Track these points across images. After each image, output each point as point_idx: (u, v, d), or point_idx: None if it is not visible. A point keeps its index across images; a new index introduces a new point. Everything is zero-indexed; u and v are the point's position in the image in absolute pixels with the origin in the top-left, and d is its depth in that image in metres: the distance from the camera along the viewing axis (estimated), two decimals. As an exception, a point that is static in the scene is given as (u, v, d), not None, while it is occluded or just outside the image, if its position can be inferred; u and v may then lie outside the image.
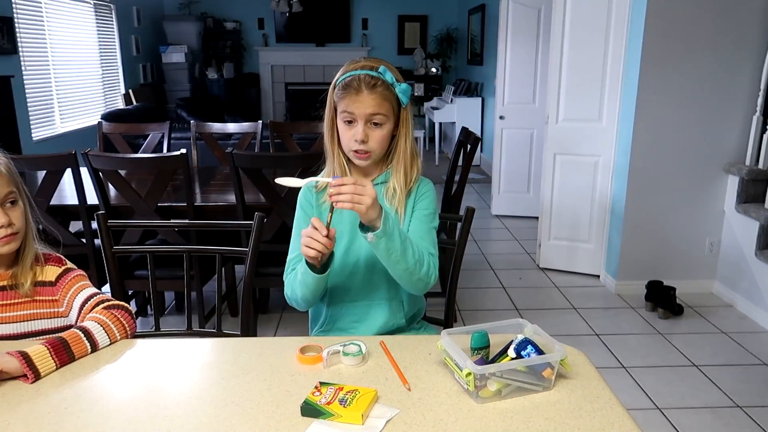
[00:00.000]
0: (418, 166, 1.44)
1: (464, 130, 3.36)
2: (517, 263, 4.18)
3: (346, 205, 1.17)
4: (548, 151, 3.88)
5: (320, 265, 1.29)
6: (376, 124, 1.36)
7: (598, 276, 3.86)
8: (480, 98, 7.02)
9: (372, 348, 1.18)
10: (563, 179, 3.86)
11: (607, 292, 3.68)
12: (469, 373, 0.96)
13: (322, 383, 1.02)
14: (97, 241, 2.90)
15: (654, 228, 3.56)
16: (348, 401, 0.96)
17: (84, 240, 2.76)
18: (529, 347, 1.01)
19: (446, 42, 8.57)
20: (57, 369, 1.14)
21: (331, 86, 1.40)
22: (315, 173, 2.60)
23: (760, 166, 3.31)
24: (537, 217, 5.00)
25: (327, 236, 1.21)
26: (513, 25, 4.83)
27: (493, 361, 1.05)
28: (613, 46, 3.50)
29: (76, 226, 3.13)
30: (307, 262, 1.29)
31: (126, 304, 1.31)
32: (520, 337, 1.05)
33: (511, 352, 1.03)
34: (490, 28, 6.81)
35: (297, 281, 1.37)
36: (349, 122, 1.36)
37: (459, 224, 1.66)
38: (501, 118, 5.03)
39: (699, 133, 3.41)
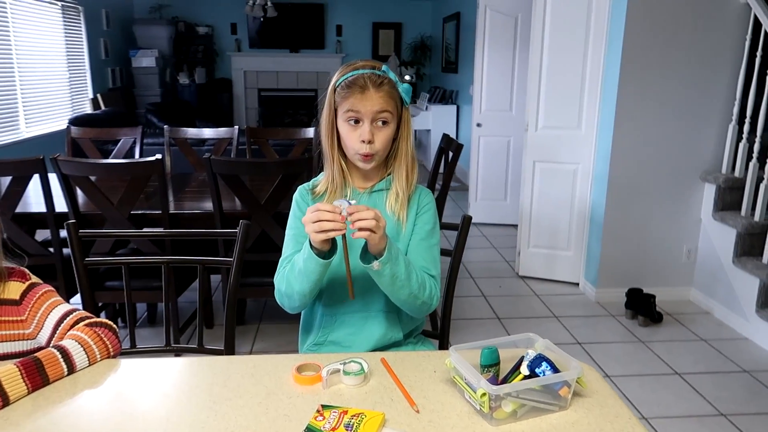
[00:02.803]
0: (417, 170, 1.39)
1: (445, 137, 3.32)
2: (497, 271, 4.16)
3: (363, 234, 1.16)
4: (528, 159, 3.87)
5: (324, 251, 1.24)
6: (382, 123, 1.31)
7: (577, 284, 3.86)
8: (455, 106, 7.03)
9: (372, 365, 1.11)
10: (542, 187, 3.85)
11: (587, 300, 3.68)
12: (484, 394, 0.90)
13: (324, 406, 0.94)
14: (66, 251, 2.79)
15: (633, 236, 3.57)
16: (354, 426, 0.88)
17: (52, 250, 2.62)
18: (544, 364, 0.95)
19: (420, 50, 8.57)
20: (29, 393, 1.04)
21: (330, 88, 1.34)
22: (297, 180, 2.55)
23: (736, 174, 3.35)
24: (514, 225, 5.00)
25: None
26: (490, 32, 4.83)
27: (506, 379, 0.99)
28: (592, 54, 3.52)
29: (42, 234, 2.98)
30: (311, 248, 1.22)
31: (110, 322, 1.21)
32: (531, 353, 1.00)
33: (524, 370, 0.97)
34: (465, 36, 6.83)
35: (294, 274, 1.30)
36: (354, 123, 1.31)
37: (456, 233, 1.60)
38: (478, 125, 5.02)
39: (676, 142, 3.44)
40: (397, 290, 1.27)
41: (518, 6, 4.72)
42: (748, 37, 3.25)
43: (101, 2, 6.97)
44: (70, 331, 1.18)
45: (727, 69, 3.34)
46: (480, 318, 3.38)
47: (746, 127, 3.28)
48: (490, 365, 1.01)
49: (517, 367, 1.00)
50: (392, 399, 1.00)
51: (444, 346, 1.64)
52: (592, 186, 3.65)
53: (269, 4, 6.29)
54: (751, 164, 3.22)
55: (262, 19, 7.45)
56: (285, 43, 8.62)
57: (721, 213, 3.38)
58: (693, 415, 2.48)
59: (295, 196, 1.43)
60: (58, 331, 1.20)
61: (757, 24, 3.20)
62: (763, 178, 3.16)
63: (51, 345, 1.16)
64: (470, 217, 1.56)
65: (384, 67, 1.33)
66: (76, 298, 3.27)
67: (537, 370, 0.96)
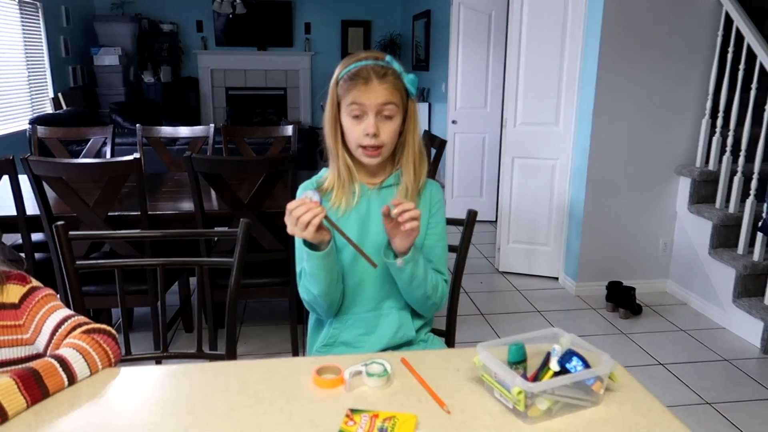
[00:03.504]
0: (426, 163, 1.36)
1: (427, 133, 3.30)
2: (477, 267, 4.16)
3: (413, 224, 1.17)
4: (506, 155, 3.88)
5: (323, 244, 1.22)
6: (387, 117, 1.27)
7: (557, 278, 3.89)
8: (427, 103, 7.02)
9: (392, 366, 1.07)
10: (521, 183, 3.87)
11: (567, 294, 3.71)
12: (521, 392, 0.87)
13: (353, 410, 0.90)
14: (39, 255, 2.67)
15: (610, 230, 3.61)
16: (388, 429, 0.85)
17: (23, 255, 2.50)
18: (575, 359, 0.93)
19: (390, 48, 8.54)
20: (28, 407, 0.96)
21: (333, 81, 1.30)
22: (279, 179, 2.49)
23: (710, 167, 3.42)
24: (491, 221, 5.03)
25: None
26: (464, 29, 4.83)
27: (537, 376, 0.97)
28: (569, 50, 3.54)
29: (9, 239, 2.85)
30: (310, 246, 1.19)
31: (109, 328, 1.14)
32: (557, 348, 0.98)
33: (554, 366, 0.95)
34: (436, 33, 6.83)
35: (308, 280, 1.28)
36: (358, 116, 1.27)
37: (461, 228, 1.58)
38: (453, 122, 5.02)
39: (652, 137, 3.50)
40: (413, 289, 1.27)
41: (492, 3, 4.74)
42: (720, 33, 3.32)
43: (61, -2, 6.73)
44: (67, 339, 1.11)
45: (699, 65, 3.41)
46: (464, 315, 3.37)
47: (719, 121, 3.36)
48: (518, 362, 0.99)
49: (545, 363, 0.98)
50: (419, 400, 0.96)
51: (451, 343, 1.61)
52: (570, 181, 3.69)
53: (238, 0, 6.16)
54: (724, 158, 3.29)
55: (230, 16, 7.30)
56: (252, 40, 8.48)
57: (696, 206, 3.45)
58: (679, 404, 2.52)
59: (299, 194, 1.37)
60: (55, 337, 1.13)
61: (729, 21, 3.27)
62: (736, 171, 3.23)
63: (48, 354, 1.09)
64: (476, 212, 1.53)
65: (388, 58, 1.29)
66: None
67: (568, 366, 0.94)
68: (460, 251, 1.56)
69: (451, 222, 1.54)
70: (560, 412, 0.92)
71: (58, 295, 2.52)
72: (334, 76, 1.30)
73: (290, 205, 1.15)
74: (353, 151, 1.32)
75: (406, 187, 1.33)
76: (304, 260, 1.25)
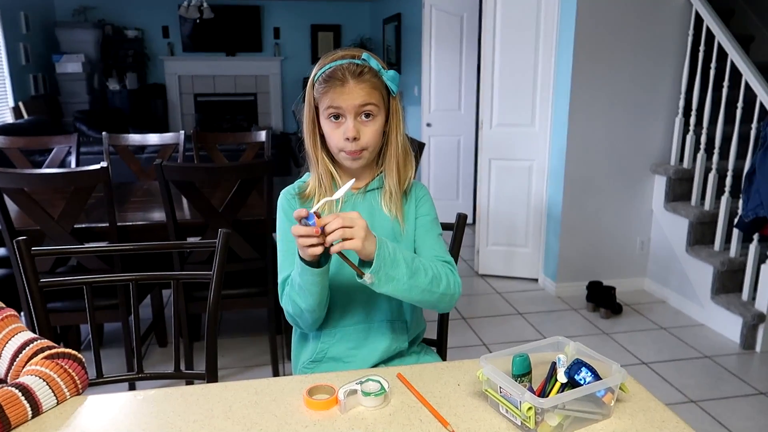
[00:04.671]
0: (411, 164, 1.29)
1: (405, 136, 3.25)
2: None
3: (338, 247, 1.04)
4: (483, 157, 3.85)
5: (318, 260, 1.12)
6: (367, 116, 1.20)
7: (536, 279, 3.88)
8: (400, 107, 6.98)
9: (389, 382, 1.00)
10: (499, 184, 3.85)
11: (547, 295, 3.69)
12: (530, 408, 0.81)
13: (350, 434, 0.83)
14: (1, 271, 2.53)
15: (588, 229, 3.61)
16: (391, 455, 0.78)
17: (-17, 272, 2.36)
18: (584, 370, 0.88)
19: (360, 51, 8.48)
20: (-12, 443, 0.88)
21: (309, 83, 1.23)
22: (254, 185, 2.41)
23: (685, 165, 3.45)
24: (469, 224, 5.00)
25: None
26: (436, 32, 4.81)
27: (545, 388, 0.91)
28: (543, 51, 3.54)
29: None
30: (304, 262, 1.11)
31: (74, 352, 1.04)
32: (562, 357, 0.92)
33: (562, 377, 0.89)
34: (406, 36, 6.80)
35: (296, 291, 1.18)
36: (336, 119, 1.19)
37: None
38: (428, 125, 4.98)
39: (626, 136, 3.51)
40: (405, 293, 1.15)
41: (463, 5, 4.72)
42: (691, 32, 3.35)
43: (19, 4, 6.50)
44: (28, 366, 1.01)
45: (672, 64, 3.44)
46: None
47: (692, 120, 3.39)
48: (523, 374, 0.93)
49: (551, 375, 0.93)
50: (421, 420, 0.90)
51: (443, 353, 1.55)
52: (547, 182, 3.67)
53: (205, 5, 6.04)
54: (698, 155, 3.32)
55: (197, 21, 7.14)
56: (220, 46, 8.33)
57: (672, 204, 3.46)
58: (665, 404, 2.51)
59: (281, 203, 1.29)
60: (15, 363, 1.03)
61: (699, 20, 3.30)
62: (711, 169, 3.26)
63: (8, 382, 0.99)
64: (465, 216, 1.48)
65: (365, 55, 1.21)
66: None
67: (577, 377, 0.88)
68: (452, 255, 1.50)
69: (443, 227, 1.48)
70: (571, 426, 0.86)
71: (22, 314, 2.40)
72: (310, 77, 1.23)
73: (295, 231, 1.04)
74: (335, 155, 1.25)
75: (389, 190, 1.27)
76: (296, 273, 1.16)
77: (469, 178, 5.03)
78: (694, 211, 3.31)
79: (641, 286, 3.76)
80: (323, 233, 1.03)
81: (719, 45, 3.18)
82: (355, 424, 0.89)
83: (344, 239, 1.04)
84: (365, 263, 1.11)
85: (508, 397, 0.87)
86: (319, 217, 1.02)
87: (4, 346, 1.04)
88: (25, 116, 6.09)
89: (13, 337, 1.05)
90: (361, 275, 1.09)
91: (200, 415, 0.94)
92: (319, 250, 1.04)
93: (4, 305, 1.09)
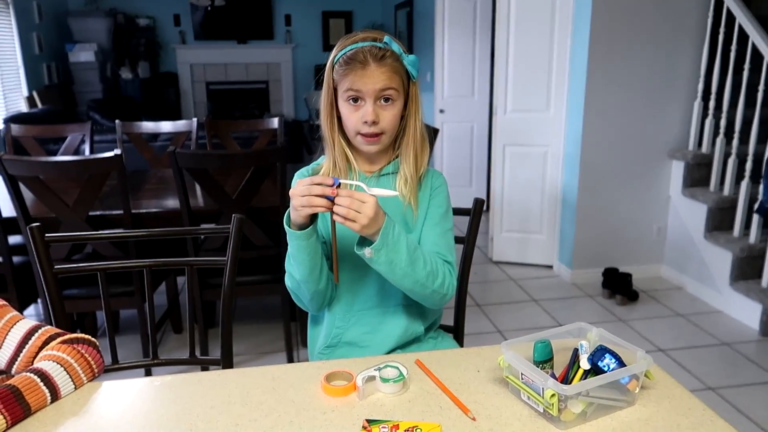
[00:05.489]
0: (427, 150, 1.27)
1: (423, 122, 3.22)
2: (470, 258, 4.09)
3: (338, 218, 1.06)
4: (497, 143, 3.81)
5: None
6: (386, 100, 1.18)
7: (551, 266, 3.85)
8: (412, 94, 6.93)
9: (408, 369, 0.98)
10: (513, 171, 3.81)
11: (563, 282, 3.66)
12: (554, 395, 0.80)
13: (369, 421, 0.82)
14: (17, 259, 2.54)
15: (604, 215, 3.57)
16: (412, 442, 0.77)
17: (0, 258, 2.38)
18: (608, 356, 0.86)
19: (372, 38, 8.41)
20: (8, 428, 0.87)
21: (328, 65, 1.21)
22: (268, 173, 2.40)
23: (704, 150, 3.38)
24: (483, 211, 4.97)
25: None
26: (449, 17, 4.75)
27: (567, 375, 0.89)
28: (558, 36, 3.48)
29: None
30: (289, 225, 1.13)
31: (89, 337, 1.04)
32: (584, 344, 0.90)
33: (584, 364, 0.88)
34: (419, 22, 6.73)
35: (290, 264, 1.20)
36: (355, 102, 1.18)
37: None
38: (441, 111, 4.94)
39: (644, 121, 3.45)
40: (399, 279, 1.16)
41: (477, -11, 4.66)
42: (710, 14, 3.28)
43: (32, -6, 6.51)
44: (45, 351, 1.01)
45: (690, 47, 3.36)
46: (460, 307, 3.31)
47: (712, 103, 3.32)
48: (545, 361, 0.91)
49: (574, 361, 0.91)
50: (441, 406, 0.88)
51: (460, 339, 1.54)
52: (562, 168, 3.63)
53: (216, -8, 6.01)
54: (718, 140, 3.26)
55: (208, 9, 7.13)
56: (232, 34, 8.30)
57: (690, 189, 3.41)
58: (683, 391, 2.48)
59: (294, 185, 1.28)
60: (23, 351, 1.02)
61: (719, 1, 3.22)
62: (730, 153, 3.20)
63: (25, 369, 0.99)
64: (483, 201, 1.46)
65: (386, 39, 1.19)
66: (29, 310, 3.01)
67: (600, 364, 0.86)
68: (468, 242, 1.48)
69: (457, 212, 1.47)
70: (594, 414, 0.85)
71: (38, 302, 2.40)
72: (330, 59, 1.21)
73: (317, 179, 1.06)
74: (352, 139, 1.23)
75: (405, 175, 1.25)
76: (289, 245, 1.18)
77: (483, 164, 4.99)
78: (712, 196, 3.25)
79: (658, 273, 3.71)
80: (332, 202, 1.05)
81: (740, 27, 3.11)
82: (374, 411, 0.87)
83: (346, 218, 1.05)
84: (367, 240, 1.12)
85: (530, 383, 0.85)
86: (338, 187, 1.05)
87: (6, 335, 1.03)
88: (39, 105, 6.12)
89: (13, 326, 1.04)
90: (335, 281, 1.14)
91: (217, 401, 0.93)
92: (311, 211, 1.06)
93: None
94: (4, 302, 1.08)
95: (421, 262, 1.16)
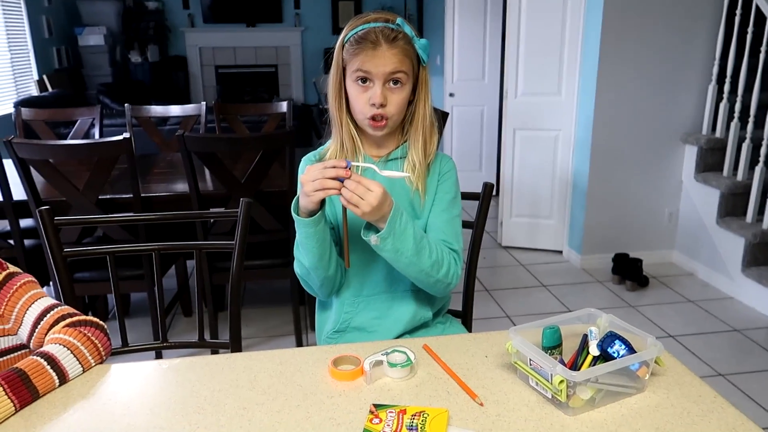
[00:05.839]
0: (436, 136, 1.26)
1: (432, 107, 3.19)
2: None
3: (342, 200, 1.06)
4: (507, 127, 3.78)
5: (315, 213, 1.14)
6: (395, 83, 1.16)
7: (561, 251, 3.83)
8: (422, 77, 6.88)
9: (415, 353, 0.98)
10: (523, 155, 3.78)
11: (572, 267, 3.65)
12: (562, 381, 0.79)
13: (376, 406, 0.82)
14: (28, 242, 2.56)
15: (615, 200, 3.54)
16: (419, 427, 0.76)
17: (12, 242, 2.40)
18: (617, 343, 0.85)
19: (382, 21, 8.32)
20: (16, 412, 0.88)
21: (339, 44, 1.19)
22: (276, 156, 2.39)
23: (717, 134, 3.34)
24: (493, 195, 4.95)
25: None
26: (460, 1, 4.69)
27: (576, 361, 0.88)
28: (570, 19, 3.43)
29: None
30: (297, 213, 1.13)
31: (97, 320, 1.04)
32: (594, 330, 0.89)
33: (594, 350, 0.87)
34: (429, 5, 6.66)
35: (299, 251, 1.20)
36: (364, 83, 1.16)
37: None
38: (451, 95, 4.90)
39: (656, 104, 3.40)
40: (403, 267, 1.16)
41: (488, -29, 4.59)
42: (727, -5, 3.21)
43: (41, -23, 6.49)
44: (51, 335, 1.01)
45: (705, 29, 3.30)
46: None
47: (726, 87, 3.26)
48: (554, 347, 0.91)
49: (583, 347, 0.90)
50: (448, 391, 0.88)
51: (468, 324, 1.53)
52: (573, 152, 3.59)
53: (225, -26, 5.95)
54: (732, 124, 3.21)
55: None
56: (241, 17, 8.25)
57: (703, 174, 3.37)
58: (692, 377, 2.47)
59: (302, 169, 1.27)
60: (37, 329, 1.03)
61: (736, -19, 3.15)
62: (745, 138, 3.15)
63: (33, 351, 1.00)
64: (492, 185, 1.44)
65: (399, 20, 1.17)
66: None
67: (610, 350, 0.85)
68: (477, 227, 1.47)
69: (466, 197, 1.45)
70: (603, 400, 0.84)
71: (51, 284, 2.43)
72: (340, 38, 1.20)
73: (330, 163, 1.05)
74: (359, 122, 1.22)
75: (413, 161, 1.24)
76: (298, 233, 1.18)
77: (493, 148, 4.95)
78: (725, 181, 3.21)
79: (669, 259, 3.68)
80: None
81: (757, 8, 3.04)
82: (381, 396, 0.87)
83: (349, 201, 1.05)
84: (374, 226, 1.12)
85: (539, 369, 0.84)
86: (350, 169, 1.05)
87: (26, 311, 1.04)
88: (50, 89, 6.14)
89: (34, 302, 1.06)
90: (346, 266, 1.14)
91: (225, 384, 0.94)
92: (324, 194, 1.06)
93: (21, 271, 1.10)
94: (32, 279, 1.10)
95: (427, 251, 1.16)
